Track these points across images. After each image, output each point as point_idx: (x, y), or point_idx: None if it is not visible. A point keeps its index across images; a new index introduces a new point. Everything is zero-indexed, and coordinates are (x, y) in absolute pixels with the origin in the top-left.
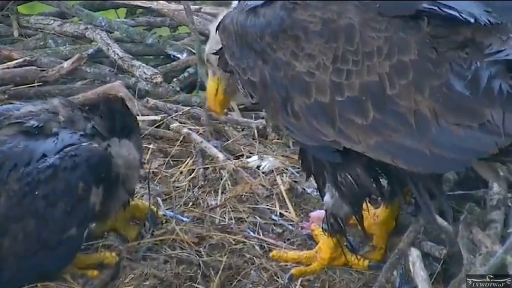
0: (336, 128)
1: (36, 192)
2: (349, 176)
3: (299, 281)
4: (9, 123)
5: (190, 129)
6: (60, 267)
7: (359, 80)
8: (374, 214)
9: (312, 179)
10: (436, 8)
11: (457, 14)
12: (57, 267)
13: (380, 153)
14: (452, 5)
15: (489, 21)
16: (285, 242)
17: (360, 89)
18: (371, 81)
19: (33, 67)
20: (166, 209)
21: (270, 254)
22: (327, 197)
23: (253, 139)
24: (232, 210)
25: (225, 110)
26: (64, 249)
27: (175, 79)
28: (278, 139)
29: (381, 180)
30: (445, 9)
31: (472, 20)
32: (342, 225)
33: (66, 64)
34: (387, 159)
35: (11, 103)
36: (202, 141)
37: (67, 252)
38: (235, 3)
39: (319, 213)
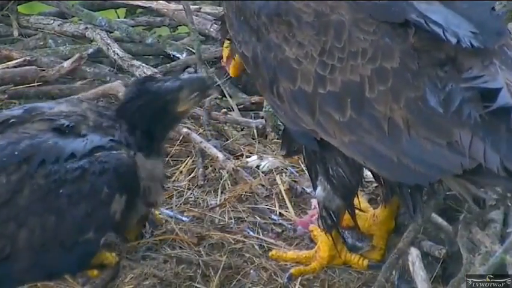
0: (315, 119)
1: (61, 191)
2: (340, 169)
3: (298, 280)
4: (41, 119)
5: (189, 128)
6: (74, 270)
7: (341, 77)
8: (374, 215)
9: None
10: (423, 21)
11: (441, 32)
12: (71, 269)
13: (353, 152)
14: (440, 20)
15: (471, 44)
16: (284, 242)
17: (342, 86)
18: (352, 80)
19: (33, 67)
20: (166, 209)
21: (269, 254)
22: (319, 190)
23: (253, 139)
24: (232, 210)
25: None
26: (79, 252)
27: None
28: (278, 139)
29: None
30: (431, 25)
31: (454, 41)
32: (334, 218)
33: (66, 64)
34: (359, 159)
35: (11, 103)
36: (201, 141)
37: (82, 255)
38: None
39: (306, 219)
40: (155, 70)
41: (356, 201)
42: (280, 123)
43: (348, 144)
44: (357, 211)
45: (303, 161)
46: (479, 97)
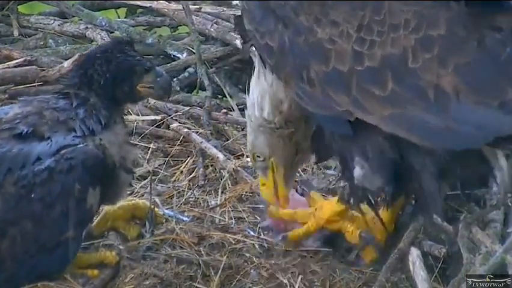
0: (351, 97)
1: (33, 195)
2: (378, 146)
3: (299, 278)
4: (0, 129)
5: (189, 128)
6: (60, 269)
7: (381, 51)
8: (374, 217)
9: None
10: None
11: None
12: (56, 269)
13: (394, 126)
14: None
15: None
16: None
17: (382, 60)
18: (394, 53)
19: (34, 67)
20: (166, 209)
21: (268, 212)
22: (357, 170)
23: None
24: (232, 210)
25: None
26: (62, 251)
27: (175, 79)
28: None
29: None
30: None
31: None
32: (373, 199)
33: (66, 64)
34: (402, 132)
35: (12, 103)
36: (202, 141)
37: (66, 254)
38: (235, 3)
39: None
40: None
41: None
42: None
43: (388, 119)
44: (356, 213)
45: (330, 149)
46: None
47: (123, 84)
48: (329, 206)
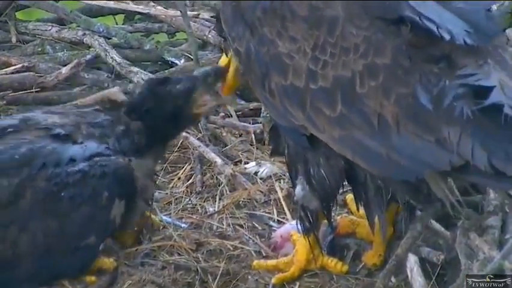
0: (305, 114)
1: (62, 194)
2: (322, 171)
3: (297, 285)
4: (37, 127)
5: (187, 132)
6: (77, 274)
7: (332, 72)
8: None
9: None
10: (417, 18)
11: (435, 29)
12: (72, 273)
13: (342, 147)
14: (435, 18)
15: (465, 41)
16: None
17: (333, 81)
18: (344, 76)
19: (31, 73)
20: (164, 215)
21: (252, 264)
22: (298, 189)
23: (251, 145)
24: (230, 217)
25: (232, 94)
26: (81, 257)
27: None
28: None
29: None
30: (425, 21)
31: (448, 37)
32: (312, 219)
33: (64, 70)
34: (348, 154)
35: (9, 109)
36: (200, 146)
37: (84, 259)
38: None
39: (281, 231)
40: (153, 76)
41: (354, 207)
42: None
43: (337, 140)
44: (355, 218)
45: (284, 160)
46: (472, 94)
47: (177, 121)
48: (302, 246)
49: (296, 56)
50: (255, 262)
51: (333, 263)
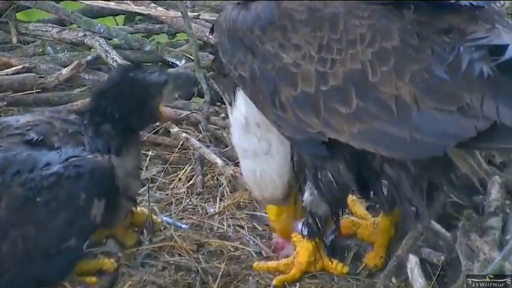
0: (321, 118)
1: (38, 199)
2: (329, 175)
3: (297, 286)
4: (11, 134)
5: (188, 133)
6: (59, 277)
7: (342, 68)
8: (374, 222)
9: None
10: None
11: None
12: (56, 277)
13: (362, 142)
14: None
15: (471, 3)
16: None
17: (344, 77)
18: (354, 69)
19: (32, 74)
20: (165, 216)
21: (253, 265)
22: (306, 195)
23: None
24: (231, 217)
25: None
26: (63, 259)
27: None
28: None
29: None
30: None
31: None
32: (320, 224)
33: (65, 71)
34: (370, 147)
35: (10, 110)
36: (200, 147)
37: (66, 262)
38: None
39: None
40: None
41: (355, 209)
42: None
43: (357, 135)
44: (356, 219)
45: (292, 167)
46: (488, 55)
47: (141, 111)
48: (304, 248)
49: (302, 63)
50: (256, 264)
51: (333, 265)
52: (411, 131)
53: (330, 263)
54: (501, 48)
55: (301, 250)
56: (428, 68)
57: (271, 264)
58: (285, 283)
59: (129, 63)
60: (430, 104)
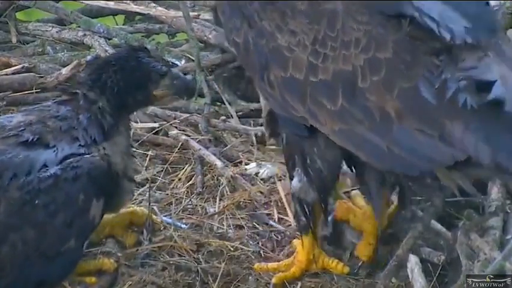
0: (306, 106)
1: (36, 202)
2: (318, 161)
3: (298, 285)
4: (3, 136)
5: (188, 135)
6: (60, 278)
7: (333, 65)
8: (365, 211)
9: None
10: (417, 14)
11: (435, 28)
12: (56, 278)
13: (343, 141)
14: (435, 15)
15: (465, 41)
16: (282, 250)
17: (333, 74)
18: (345, 70)
19: (32, 74)
20: (164, 216)
21: (254, 267)
22: (295, 181)
23: (252, 145)
24: (231, 217)
25: None
26: (63, 261)
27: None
28: (277, 146)
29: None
30: (425, 19)
31: (448, 37)
32: (308, 211)
33: (64, 71)
34: (351, 147)
35: (9, 110)
36: (200, 148)
37: (66, 263)
38: None
39: None
40: None
41: (356, 202)
42: None
43: (338, 133)
44: (352, 205)
45: (281, 151)
46: (474, 87)
47: (138, 91)
48: (301, 247)
49: (296, 49)
50: (256, 265)
51: (334, 264)
52: (391, 143)
53: (330, 262)
54: (488, 85)
55: (300, 249)
56: (417, 88)
57: (272, 265)
58: (285, 281)
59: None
60: (413, 124)
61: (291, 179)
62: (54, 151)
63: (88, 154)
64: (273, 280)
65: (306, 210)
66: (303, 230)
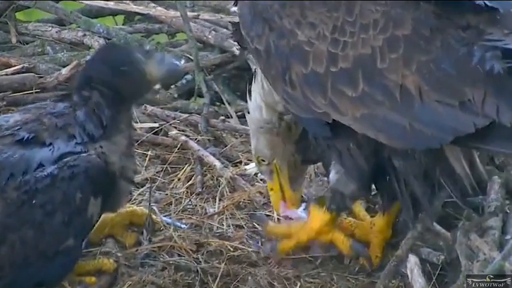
0: (327, 99)
1: (34, 201)
2: (352, 155)
3: (297, 286)
4: (0, 135)
5: (187, 136)
6: (59, 278)
7: (352, 51)
8: (371, 222)
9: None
10: None
11: None
12: (55, 278)
13: (364, 127)
14: None
15: (485, 4)
16: None
17: (353, 61)
18: (364, 53)
19: (32, 74)
20: (164, 216)
21: (266, 229)
22: (332, 174)
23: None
24: (230, 217)
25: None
26: (61, 260)
27: (173, 86)
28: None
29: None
30: None
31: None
32: (347, 203)
33: (64, 71)
34: (371, 133)
35: (9, 110)
36: (199, 149)
37: (65, 262)
38: (233, 10)
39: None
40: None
41: (355, 209)
42: None
43: (360, 119)
44: (354, 220)
45: (312, 152)
46: (500, 56)
47: (127, 77)
48: (318, 217)
49: (316, 42)
50: (268, 226)
51: (340, 239)
52: (412, 120)
53: (339, 236)
54: None
55: (316, 218)
56: (435, 60)
57: (282, 227)
58: (290, 250)
59: None
60: (433, 96)
61: (328, 174)
62: (50, 149)
63: (85, 152)
64: (278, 246)
65: (346, 201)
66: (335, 210)
